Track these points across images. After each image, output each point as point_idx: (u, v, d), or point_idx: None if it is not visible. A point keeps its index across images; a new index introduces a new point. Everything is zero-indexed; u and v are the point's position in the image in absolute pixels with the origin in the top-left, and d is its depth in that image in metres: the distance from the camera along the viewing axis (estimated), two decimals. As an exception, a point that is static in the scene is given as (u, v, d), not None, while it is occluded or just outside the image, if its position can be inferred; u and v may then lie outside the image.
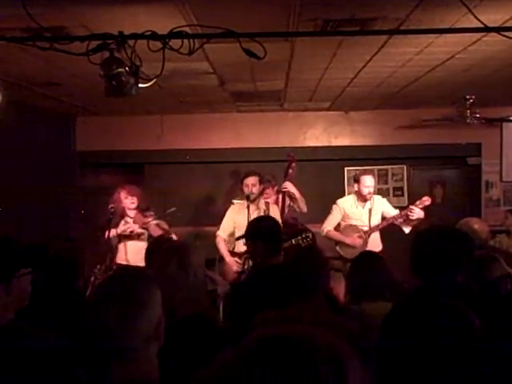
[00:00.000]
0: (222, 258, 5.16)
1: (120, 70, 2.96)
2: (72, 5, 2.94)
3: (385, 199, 5.60)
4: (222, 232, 5.22)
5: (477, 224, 3.85)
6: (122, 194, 5.16)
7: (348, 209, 5.47)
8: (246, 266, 4.84)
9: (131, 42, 2.96)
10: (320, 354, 0.80)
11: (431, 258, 2.47)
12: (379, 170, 7.74)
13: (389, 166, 7.77)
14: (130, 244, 5.12)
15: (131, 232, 5.08)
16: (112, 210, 5.06)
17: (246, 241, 3.40)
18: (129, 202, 5.15)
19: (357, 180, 5.45)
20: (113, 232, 5.04)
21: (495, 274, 2.82)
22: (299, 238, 5.00)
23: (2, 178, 5.67)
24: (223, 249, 5.14)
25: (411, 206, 5.21)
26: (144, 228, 5.12)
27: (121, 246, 5.13)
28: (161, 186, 7.42)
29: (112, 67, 2.95)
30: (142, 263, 5.11)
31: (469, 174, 7.80)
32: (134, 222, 5.12)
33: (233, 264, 4.98)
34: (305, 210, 5.67)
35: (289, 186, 5.53)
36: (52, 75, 4.71)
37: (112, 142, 7.45)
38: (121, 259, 5.09)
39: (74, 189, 7.37)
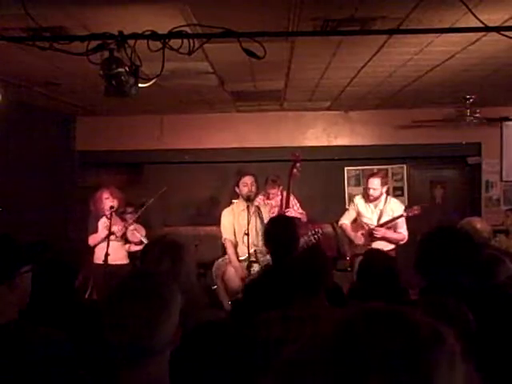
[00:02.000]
0: (222, 264, 5.01)
1: (120, 69, 2.96)
2: (72, 5, 2.94)
3: (400, 206, 5.54)
4: (228, 234, 5.05)
5: (479, 223, 3.85)
6: (104, 195, 5.17)
7: (361, 207, 5.60)
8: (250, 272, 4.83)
9: (131, 42, 2.96)
10: (422, 325, 0.80)
11: (434, 259, 2.48)
12: (379, 169, 7.74)
13: (389, 166, 7.77)
14: (115, 244, 5.13)
15: (116, 235, 5.10)
16: (112, 210, 5.06)
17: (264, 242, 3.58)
18: (108, 203, 5.14)
19: (366, 180, 5.60)
20: (96, 238, 5.07)
21: (502, 275, 2.81)
22: (309, 234, 4.99)
23: (2, 178, 5.67)
24: (233, 254, 4.96)
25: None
26: (124, 231, 5.16)
27: (100, 246, 5.14)
28: (160, 186, 7.40)
29: (112, 67, 2.95)
30: (121, 261, 5.20)
31: (469, 174, 7.81)
32: (114, 224, 5.10)
33: (238, 269, 4.86)
34: (304, 219, 5.76)
35: (291, 211, 5.55)
36: (52, 75, 4.71)
37: (112, 141, 7.45)
38: (99, 258, 5.08)
39: (73, 188, 7.37)
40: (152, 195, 5.67)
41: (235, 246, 5.01)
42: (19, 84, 5.01)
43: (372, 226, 5.46)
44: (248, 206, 4.96)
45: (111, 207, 5.09)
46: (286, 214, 5.46)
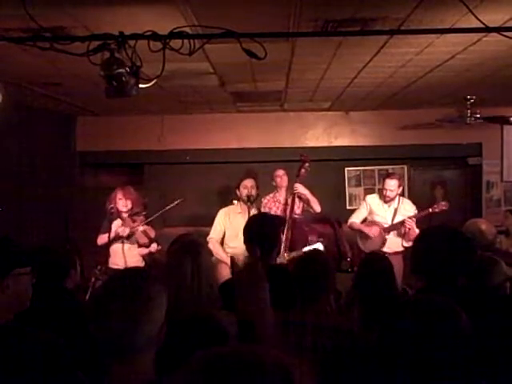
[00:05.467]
0: (214, 263, 5.06)
1: (120, 70, 2.96)
2: (72, 5, 2.94)
3: (412, 207, 5.62)
4: (216, 234, 5.12)
5: (484, 225, 3.84)
6: (118, 195, 5.16)
7: (375, 206, 5.67)
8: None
9: (132, 43, 2.95)
10: (266, 365, 0.82)
11: (431, 259, 2.47)
12: (380, 170, 7.74)
13: (389, 167, 7.76)
14: (127, 247, 5.10)
15: (120, 235, 5.05)
16: (112, 210, 5.05)
17: (245, 242, 3.39)
18: (121, 204, 5.12)
19: (383, 180, 5.65)
20: (104, 238, 5.05)
21: (496, 276, 2.81)
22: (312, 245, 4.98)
23: (3, 178, 5.67)
24: (220, 251, 5.03)
25: (407, 219, 5.35)
26: (132, 232, 5.10)
27: (117, 249, 5.12)
28: (160, 187, 7.42)
29: (112, 67, 2.95)
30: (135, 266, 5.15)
31: (469, 175, 7.80)
32: (123, 225, 5.09)
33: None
34: (318, 210, 5.64)
35: (299, 188, 5.50)
36: (52, 75, 4.70)
37: (112, 142, 7.45)
38: (117, 262, 5.07)
39: (74, 189, 7.37)
40: (153, 196, 5.66)
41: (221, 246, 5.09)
42: (19, 84, 5.01)
43: (386, 225, 5.50)
44: (248, 207, 4.97)
45: (128, 210, 5.09)
46: (294, 191, 5.43)
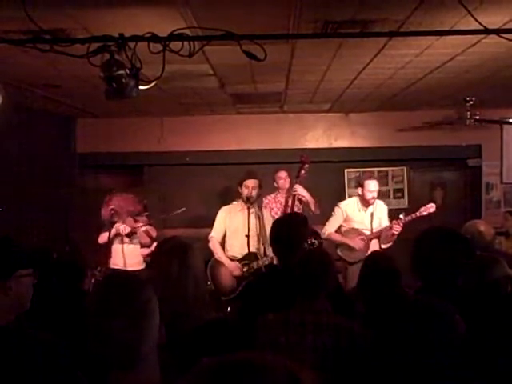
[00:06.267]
0: (214, 263, 5.02)
1: (120, 72, 2.96)
2: (72, 7, 2.95)
3: (385, 207, 5.58)
4: (216, 234, 5.11)
5: (483, 226, 3.85)
6: (107, 199, 5.14)
7: (350, 212, 5.49)
8: (245, 271, 4.84)
9: (132, 44, 2.96)
10: (273, 372, 0.81)
11: (431, 260, 2.48)
12: (379, 171, 7.75)
13: (389, 168, 7.77)
14: (127, 247, 5.11)
15: (121, 233, 5.05)
16: (112, 211, 5.05)
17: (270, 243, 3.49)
18: (109, 207, 5.12)
19: (361, 184, 5.46)
20: (104, 237, 5.04)
21: (495, 275, 2.81)
22: (305, 245, 4.98)
23: (3, 180, 5.67)
24: (220, 252, 5.02)
25: (394, 224, 5.22)
26: (134, 232, 5.10)
27: (117, 249, 5.12)
28: (160, 188, 7.42)
29: (112, 69, 2.95)
30: (137, 267, 5.16)
31: (469, 176, 7.80)
32: (124, 223, 5.08)
33: (234, 268, 4.90)
34: (317, 212, 5.62)
35: (298, 189, 5.49)
36: (52, 77, 4.71)
37: (112, 143, 7.46)
38: (117, 262, 5.07)
39: (74, 190, 7.38)
40: (152, 198, 5.66)
41: (221, 245, 5.07)
42: (19, 86, 5.01)
43: (368, 233, 5.37)
44: (248, 208, 4.97)
45: (111, 212, 5.09)
46: (293, 192, 5.42)
